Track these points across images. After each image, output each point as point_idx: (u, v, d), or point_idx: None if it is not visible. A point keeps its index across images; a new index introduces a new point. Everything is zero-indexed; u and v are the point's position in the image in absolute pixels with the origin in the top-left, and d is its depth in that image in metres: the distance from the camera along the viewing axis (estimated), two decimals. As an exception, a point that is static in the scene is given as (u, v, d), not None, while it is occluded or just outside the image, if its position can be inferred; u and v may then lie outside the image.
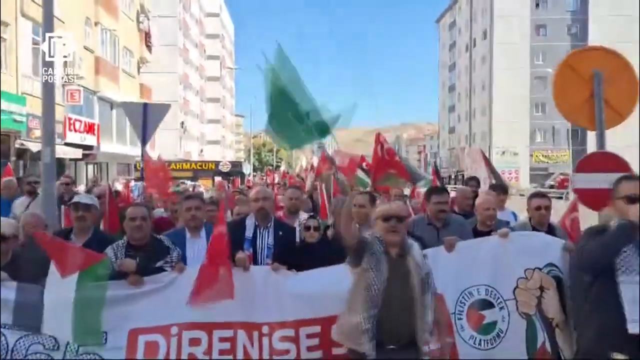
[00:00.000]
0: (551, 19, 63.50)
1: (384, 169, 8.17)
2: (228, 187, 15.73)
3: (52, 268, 3.76)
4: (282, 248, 4.65)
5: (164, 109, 8.62)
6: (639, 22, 48.23)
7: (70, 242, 4.32)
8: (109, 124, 30.02)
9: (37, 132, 19.52)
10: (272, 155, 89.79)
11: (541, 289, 4.23)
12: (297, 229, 4.94)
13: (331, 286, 4.02)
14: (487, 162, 8.88)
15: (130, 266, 3.99)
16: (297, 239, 4.83)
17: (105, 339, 3.85)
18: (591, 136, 59.73)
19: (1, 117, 16.98)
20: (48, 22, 7.72)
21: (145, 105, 8.32)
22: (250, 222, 4.82)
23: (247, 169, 46.11)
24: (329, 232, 4.71)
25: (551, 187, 38.70)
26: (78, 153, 23.31)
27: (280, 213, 6.07)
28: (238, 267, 4.15)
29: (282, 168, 37.62)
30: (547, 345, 4.17)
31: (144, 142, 8.06)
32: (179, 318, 3.96)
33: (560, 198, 28.79)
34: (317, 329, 4.08)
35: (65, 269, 3.76)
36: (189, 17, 61.81)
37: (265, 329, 4.05)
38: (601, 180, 5.24)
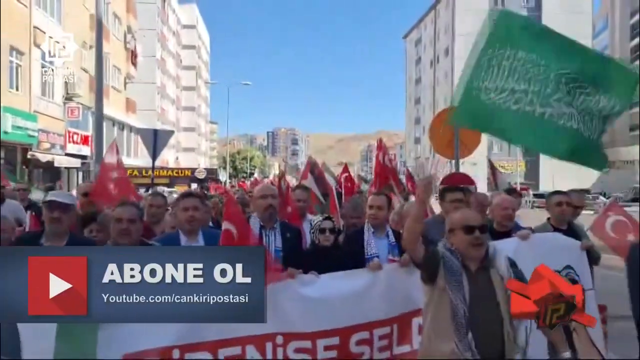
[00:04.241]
0: (507, 39, 68.02)
1: (387, 177, 8.05)
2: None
3: None
4: (290, 251, 4.26)
5: (169, 134, 11.52)
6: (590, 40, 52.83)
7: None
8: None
9: (46, 145, 22.75)
10: (246, 162, 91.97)
11: None
12: (306, 231, 4.63)
13: (353, 293, 3.89)
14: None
15: None
16: (306, 243, 4.58)
17: None
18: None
19: (15, 132, 19.98)
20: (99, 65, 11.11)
21: (155, 131, 10.48)
22: (254, 223, 4.33)
23: (223, 176, 48.56)
24: (341, 237, 4.45)
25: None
26: (77, 162, 26.13)
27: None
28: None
29: (255, 175, 40.07)
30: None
31: (154, 159, 10.27)
32: (179, 338, 3.51)
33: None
34: (335, 340, 3.80)
35: None
36: (166, 30, 62.43)
37: (279, 340, 3.72)
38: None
